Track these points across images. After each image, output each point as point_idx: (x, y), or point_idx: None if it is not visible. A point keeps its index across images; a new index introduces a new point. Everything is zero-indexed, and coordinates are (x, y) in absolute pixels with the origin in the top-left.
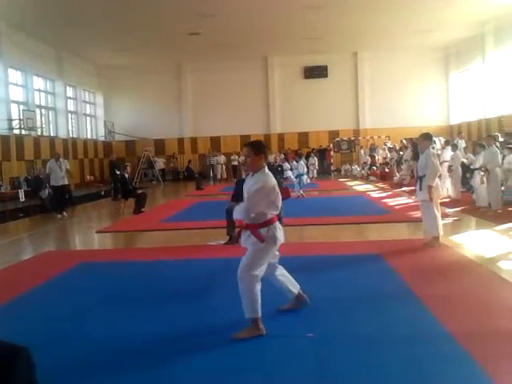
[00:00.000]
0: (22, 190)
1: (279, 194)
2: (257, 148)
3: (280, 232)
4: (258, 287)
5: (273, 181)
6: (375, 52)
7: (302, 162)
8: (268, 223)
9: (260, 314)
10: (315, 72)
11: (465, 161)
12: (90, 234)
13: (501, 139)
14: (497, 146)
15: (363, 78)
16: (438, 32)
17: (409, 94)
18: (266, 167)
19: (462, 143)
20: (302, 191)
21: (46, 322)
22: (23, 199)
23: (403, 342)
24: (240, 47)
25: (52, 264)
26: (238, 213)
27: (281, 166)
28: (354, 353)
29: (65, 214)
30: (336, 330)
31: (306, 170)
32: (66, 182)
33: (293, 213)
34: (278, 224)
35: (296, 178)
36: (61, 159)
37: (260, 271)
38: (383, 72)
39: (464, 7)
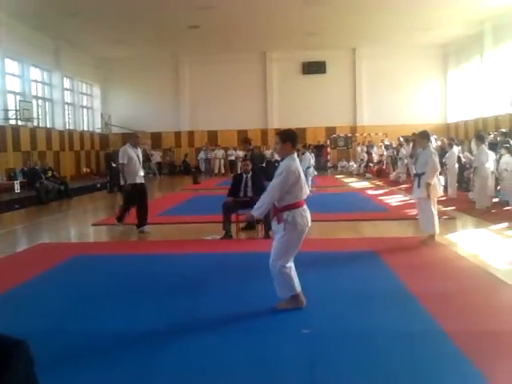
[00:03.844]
0: (18, 182)
1: (303, 179)
2: (283, 137)
3: (302, 218)
4: (290, 269)
5: (296, 166)
6: (374, 49)
7: (308, 154)
8: (290, 207)
9: (299, 290)
10: (313, 68)
11: (462, 159)
12: (86, 227)
13: (498, 139)
14: (494, 144)
15: (361, 75)
16: (436, 30)
17: (407, 92)
18: (295, 153)
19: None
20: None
21: (40, 315)
22: (19, 190)
23: (398, 340)
24: (238, 41)
25: (47, 256)
26: (260, 204)
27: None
28: (348, 350)
29: (146, 229)
30: (331, 327)
31: (312, 162)
32: (143, 180)
33: None
34: (301, 210)
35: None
36: (138, 147)
37: (289, 257)
38: (381, 69)
39: (463, 5)
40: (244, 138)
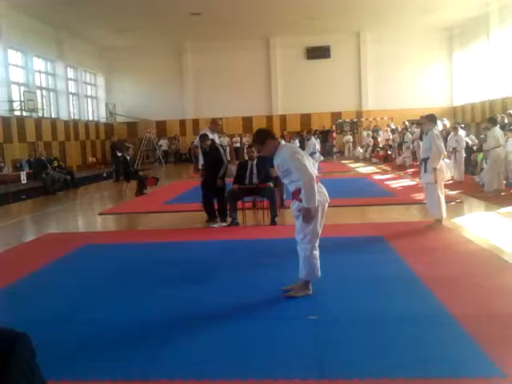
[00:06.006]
0: (24, 172)
1: (309, 159)
2: (259, 140)
3: (320, 194)
4: (315, 253)
5: (296, 147)
6: (378, 32)
7: (313, 139)
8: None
9: (313, 279)
10: (318, 53)
11: (469, 142)
12: (93, 216)
13: (506, 120)
14: (502, 127)
15: (366, 59)
16: (441, 12)
17: (412, 75)
18: (282, 141)
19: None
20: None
21: (48, 304)
22: (25, 181)
23: (406, 324)
24: (242, 27)
25: (55, 246)
26: (308, 195)
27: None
28: (356, 334)
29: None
30: (338, 312)
31: (318, 147)
32: None
33: None
34: (317, 187)
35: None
36: (216, 132)
37: (316, 237)
38: (386, 53)
39: None
40: (202, 136)
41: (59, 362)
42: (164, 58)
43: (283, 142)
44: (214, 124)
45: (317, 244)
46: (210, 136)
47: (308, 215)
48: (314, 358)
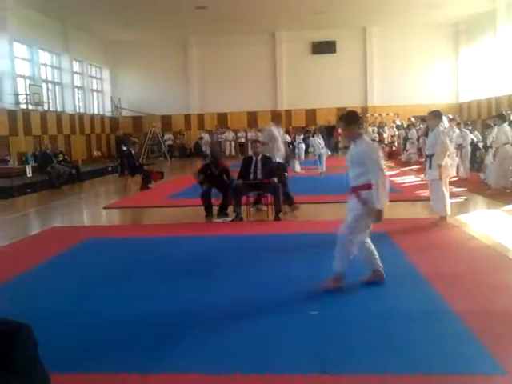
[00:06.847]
0: (30, 166)
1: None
2: (347, 119)
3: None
4: (353, 250)
5: (376, 146)
6: (384, 27)
7: (316, 138)
8: (368, 187)
9: (343, 272)
10: (323, 47)
11: (474, 139)
12: (98, 210)
13: (511, 118)
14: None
15: (372, 54)
16: (448, 7)
17: (418, 71)
18: (364, 134)
19: None
20: (322, 167)
21: (52, 297)
22: (30, 174)
23: (408, 320)
24: (247, 21)
25: (59, 239)
26: (381, 195)
27: (288, 144)
28: (358, 330)
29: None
30: (341, 308)
31: (322, 143)
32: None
33: (299, 190)
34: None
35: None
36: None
37: (357, 236)
38: (392, 48)
39: None
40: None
41: (63, 354)
42: (169, 53)
43: (365, 136)
44: (279, 117)
45: (356, 239)
46: (276, 130)
47: (380, 216)
48: (316, 353)
